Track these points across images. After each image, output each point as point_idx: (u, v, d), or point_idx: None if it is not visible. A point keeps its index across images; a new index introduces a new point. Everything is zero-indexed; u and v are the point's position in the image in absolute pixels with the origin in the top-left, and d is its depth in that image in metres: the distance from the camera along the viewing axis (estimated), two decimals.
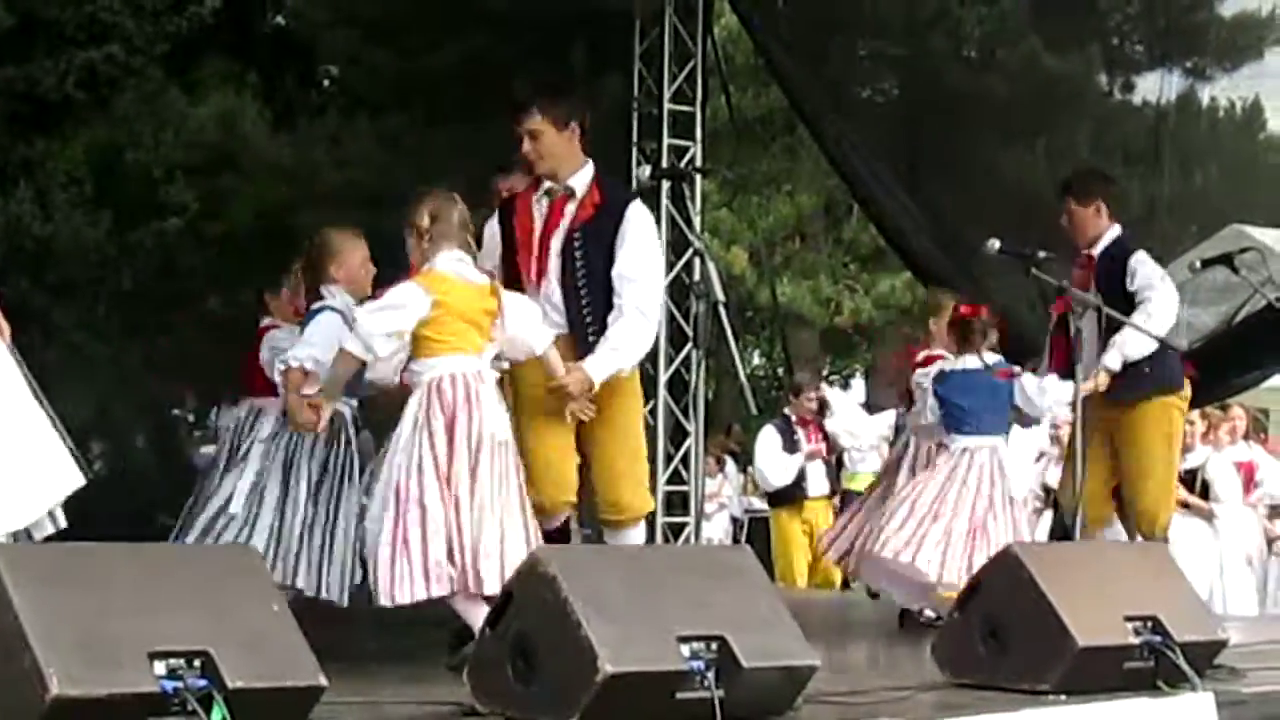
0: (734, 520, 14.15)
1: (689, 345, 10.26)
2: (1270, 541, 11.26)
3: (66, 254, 13.50)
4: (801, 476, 11.22)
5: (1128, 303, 7.20)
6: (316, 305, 6.24)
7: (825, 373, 20.67)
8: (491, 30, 11.99)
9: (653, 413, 10.54)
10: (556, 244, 5.94)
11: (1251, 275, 7.74)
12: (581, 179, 5.99)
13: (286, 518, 6.25)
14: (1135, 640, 5.18)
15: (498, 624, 4.47)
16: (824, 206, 19.90)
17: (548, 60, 11.14)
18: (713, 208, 18.01)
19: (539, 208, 6.02)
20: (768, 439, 11.39)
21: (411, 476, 5.46)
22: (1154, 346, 7.16)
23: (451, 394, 5.49)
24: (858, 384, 23.61)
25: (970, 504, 7.08)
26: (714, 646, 4.37)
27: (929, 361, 7.60)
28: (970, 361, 7.26)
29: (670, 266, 10.61)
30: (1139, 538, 7.36)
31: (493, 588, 5.24)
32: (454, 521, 5.40)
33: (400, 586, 5.40)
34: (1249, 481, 11.08)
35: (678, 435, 10.81)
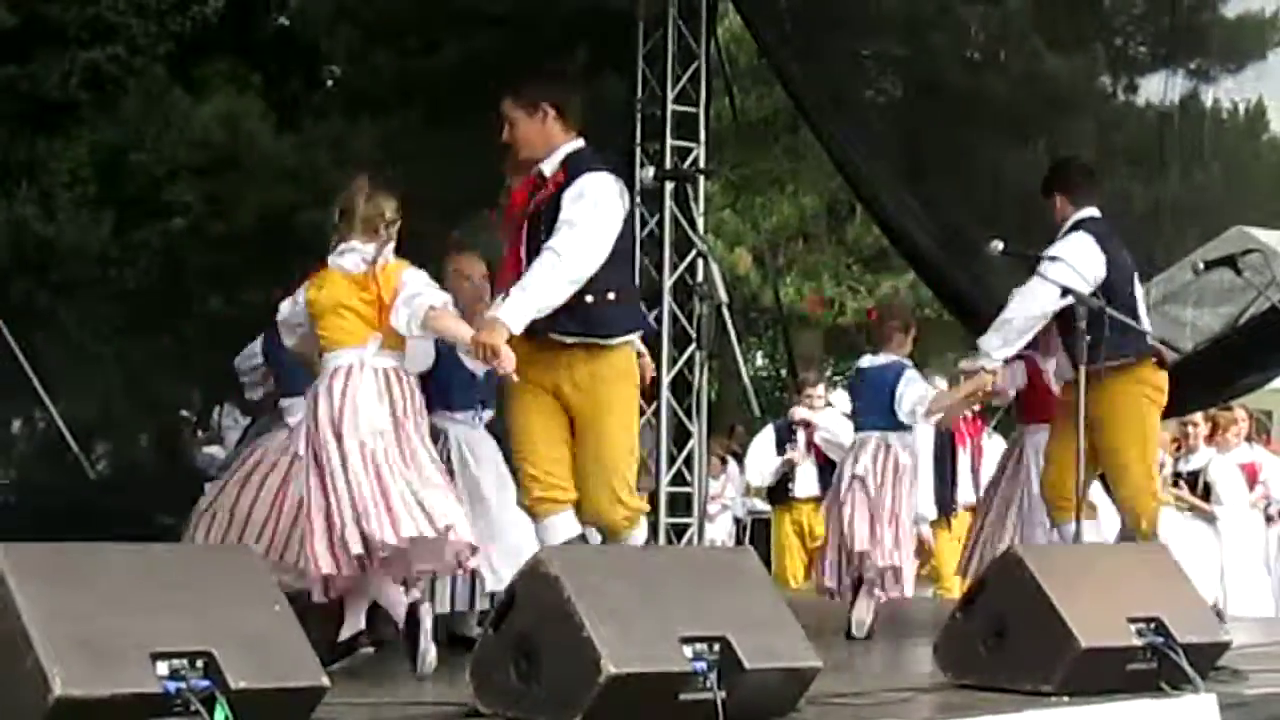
0: (737, 521, 14.15)
1: (692, 346, 10.26)
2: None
3: (70, 254, 13.51)
4: (789, 477, 11.27)
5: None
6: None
7: (829, 374, 20.65)
8: (495, 31, 11.99)
9: (656, 414, 10.55)
10: (525, 229, 5.78)
11: (1255, 277, 7.73)
12: (553, 161, 5.81)
13: None
14: (1138, 642, 5.18)
15: (500, 624, 4.47)
16: (827, 207, 19.88)
17: (551, 61, 11.13)
18: (716, 209, 18.02)
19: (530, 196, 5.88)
20: (763, 438, 11.53)
21: (301, 473, 5.64)
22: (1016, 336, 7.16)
23: (327, 390, 5.57)
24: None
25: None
26: (716, 647, 4.37)
27: None
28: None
29: (673, 268, 10.63)
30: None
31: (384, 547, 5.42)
32: (335, 509, 5.47)
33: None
34: (1252, 483, 11.08)
35: (681, 436, 10.81)
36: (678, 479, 10.74)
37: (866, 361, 7.87)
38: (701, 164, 10.86)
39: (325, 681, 3.94)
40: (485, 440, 6.80)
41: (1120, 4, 12.21)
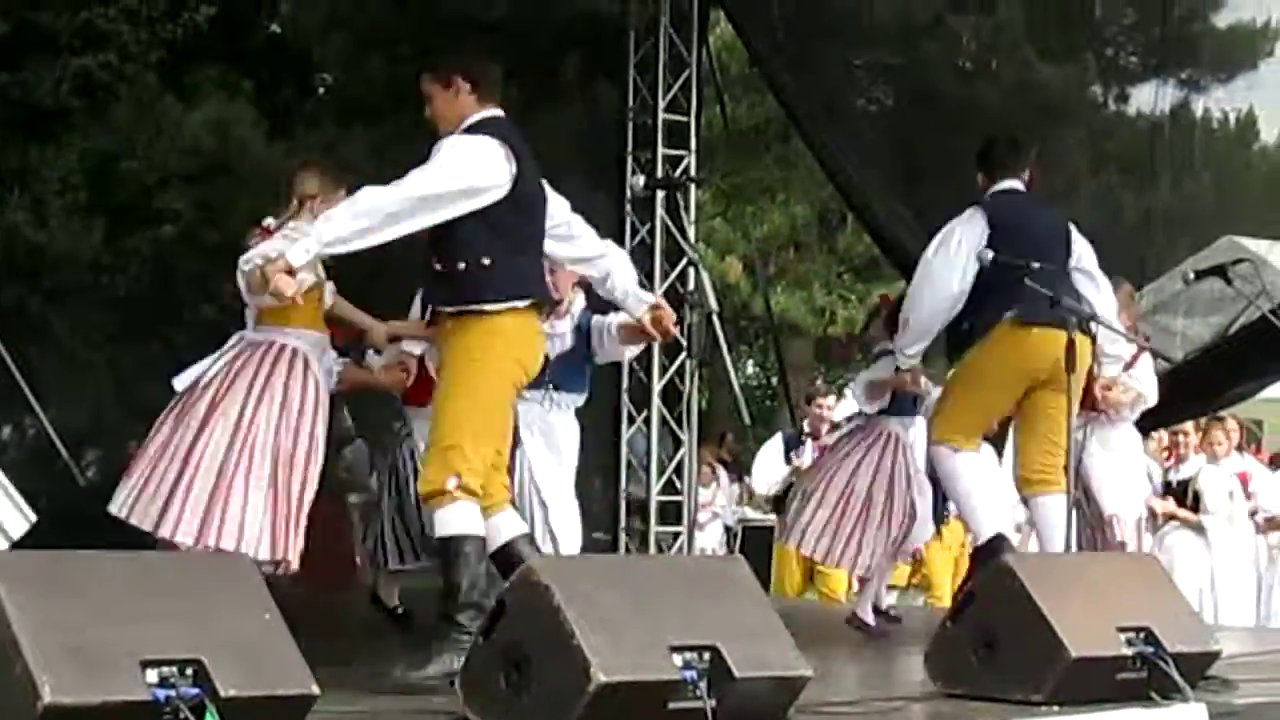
0: (728, 530, 14.15)
1: (683, 355, 10.26)
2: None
3: (61, 261, 13.51)
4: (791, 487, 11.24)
5: None
6: None
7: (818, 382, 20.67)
8: (486, 39, 11.98)
9: (646, 422, 10.55)
10: None
11: (1245, 287, 7.72)
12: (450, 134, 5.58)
13: None
14: (1128, 651, 5.18)
15: (490, 633, 4.47)
16: (818, 216, 19.90)
17: (542, 69, 11.15)
18: (707, 217, 18.00)
19: None
20: (771, 447, 11.50)
21: None
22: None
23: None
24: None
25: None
26: (706, 656, 4.37)
27: None
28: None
29: (664, 276, 10.64)
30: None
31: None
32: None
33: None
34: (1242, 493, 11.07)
35: (671, 445, 10.81)
36: (668, 487, 10.74)
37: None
38: (693, 172, 10.88)
39: (315, 689, 3.93)
40: (550, 420, 6.80)
41: (1111, 14, 12.22)
